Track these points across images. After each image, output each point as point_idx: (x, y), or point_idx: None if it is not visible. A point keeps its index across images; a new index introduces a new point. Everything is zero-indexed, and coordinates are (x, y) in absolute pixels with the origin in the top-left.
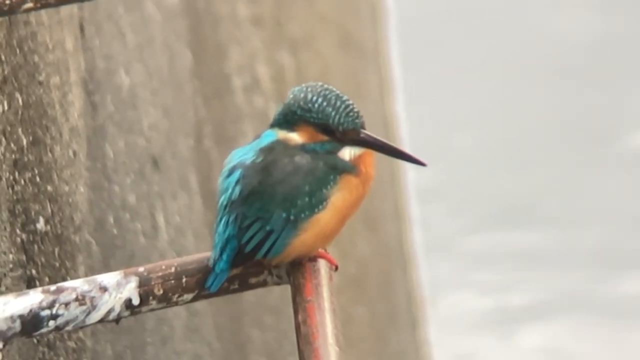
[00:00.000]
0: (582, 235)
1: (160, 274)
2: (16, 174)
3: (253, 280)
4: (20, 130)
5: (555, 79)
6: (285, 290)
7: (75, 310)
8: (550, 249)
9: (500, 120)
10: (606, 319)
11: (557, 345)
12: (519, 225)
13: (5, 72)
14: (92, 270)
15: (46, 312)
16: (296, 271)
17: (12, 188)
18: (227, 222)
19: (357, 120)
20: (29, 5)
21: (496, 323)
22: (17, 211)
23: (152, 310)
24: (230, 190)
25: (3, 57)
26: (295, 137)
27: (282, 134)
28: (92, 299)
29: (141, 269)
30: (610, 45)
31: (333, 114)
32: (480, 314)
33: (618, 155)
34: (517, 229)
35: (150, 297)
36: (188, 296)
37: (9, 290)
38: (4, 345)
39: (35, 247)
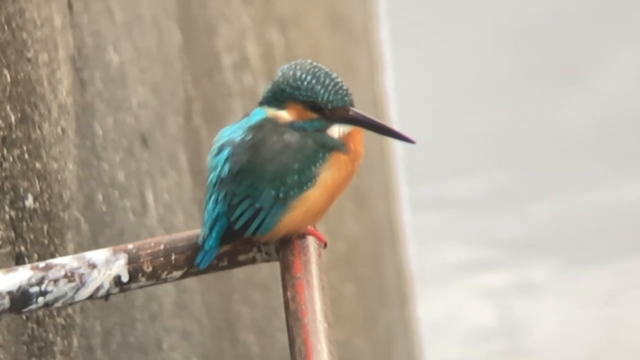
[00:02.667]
0: (555, 170)
1: (149, 251)
2: (4, 151)
3: (242, 258)
4: (8, 107)
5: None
6: (275, 267)
7: (64, 286)
8: (525, 187)
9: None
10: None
11: (536, 284)
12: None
13: None
14: (81, 247)
15: (35, 289)
16: (285, 248)
17: (1, 165)
18: (216, 200)
19: (346, 98)
20: None
21: (475, 270)
22: (5, 188)
23: (141, 287)
24: (219, 168)
25: None
26: (284, 115)
27: (271, 112)
28: (81, 275)
29: (130, 246)
30: None
31: (322, 91)
32: (462, 263)
33: (585, 91)
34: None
35: (140, 274)
36: (177, 273)
37: None
38: None
39: (24, 224)
